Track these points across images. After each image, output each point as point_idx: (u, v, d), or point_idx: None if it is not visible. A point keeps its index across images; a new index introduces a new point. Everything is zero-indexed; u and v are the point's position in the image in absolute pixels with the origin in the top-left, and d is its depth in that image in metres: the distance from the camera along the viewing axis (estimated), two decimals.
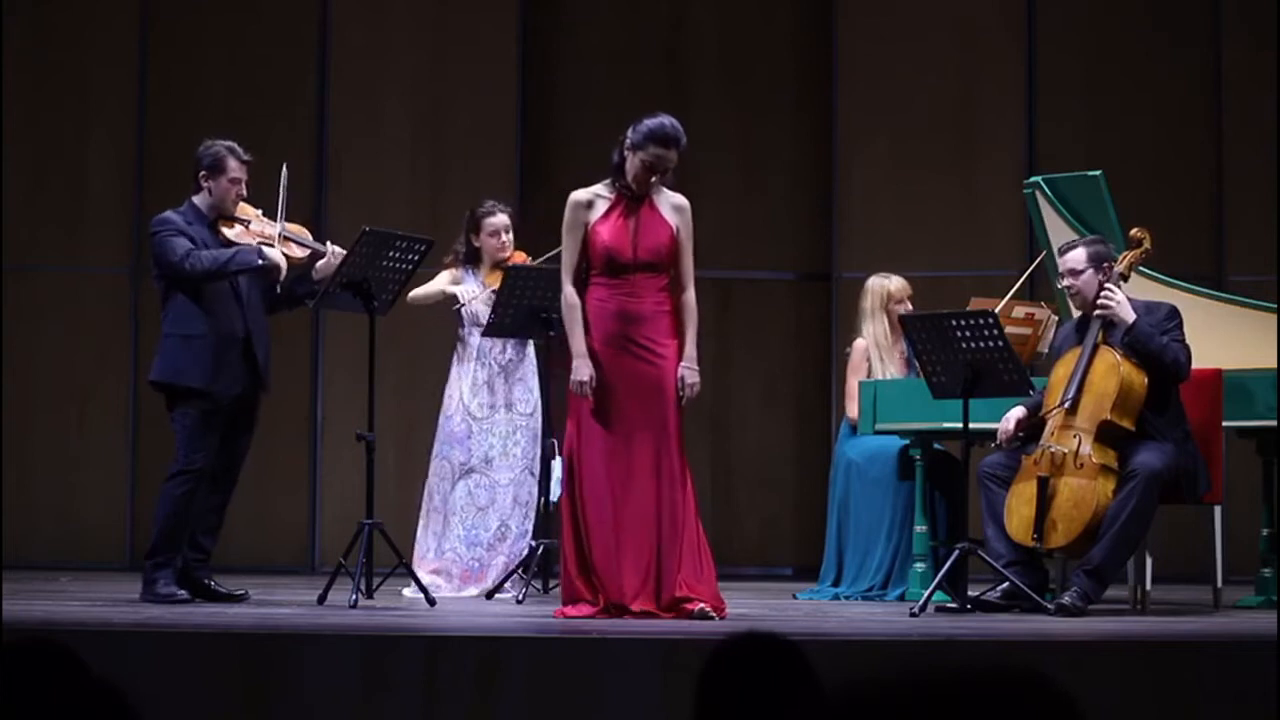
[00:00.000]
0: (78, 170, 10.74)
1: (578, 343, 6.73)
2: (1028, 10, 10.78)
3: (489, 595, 8.00)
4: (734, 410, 10.93)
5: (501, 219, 8.40)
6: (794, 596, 8.55)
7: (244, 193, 7.61)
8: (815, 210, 11.00)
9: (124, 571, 9.70)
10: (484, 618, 7.08)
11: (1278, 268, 9.73)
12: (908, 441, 8.32)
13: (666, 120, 6.77)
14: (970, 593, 7.21)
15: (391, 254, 7.52)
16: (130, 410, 10.52)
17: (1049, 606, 7.03)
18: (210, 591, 7.50)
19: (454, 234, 8.56)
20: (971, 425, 7.21)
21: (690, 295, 6.79)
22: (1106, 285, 7.29)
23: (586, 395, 6.68)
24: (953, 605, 7.15)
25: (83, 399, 10.66)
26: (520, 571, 8.01)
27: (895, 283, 8.66)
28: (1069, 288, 7.46)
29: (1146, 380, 7.20)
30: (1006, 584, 7.17)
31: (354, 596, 7.08)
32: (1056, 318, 8.29)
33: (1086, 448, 7.14)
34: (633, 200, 6.77)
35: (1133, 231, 7.54)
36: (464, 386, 8.32)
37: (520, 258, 8.42)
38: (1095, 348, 7.28)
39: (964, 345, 7.13)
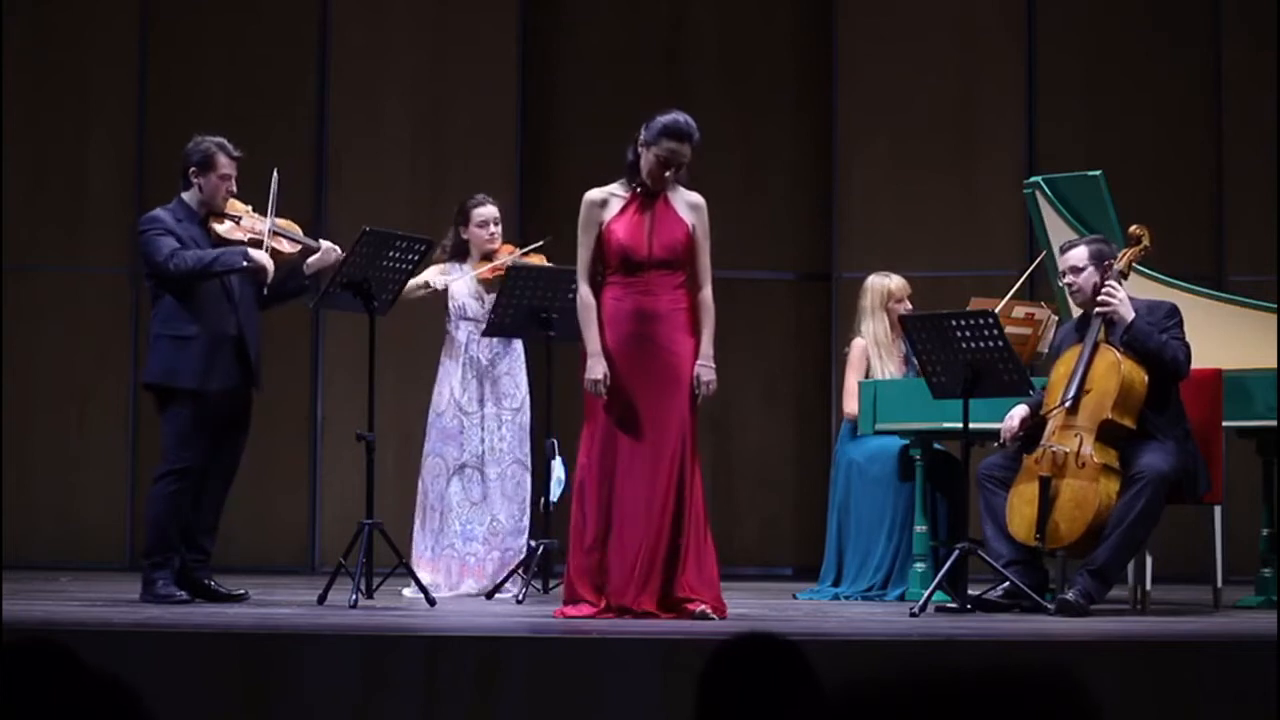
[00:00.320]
0: (78, 170, 10.74)
1: (592, 342, 6.73)
2: (1028, 10, 10.78)
3: (489, 595, 8.00)
4: (734, 410, 10.93)
5: (491, 210, 8.39)
6: (794, 596, 8.55)
7: (234, 189, 7.58)
8: (815, 210, 11.01)
9: (124, 571, 9.70)
10: (484, 618, 7.08)
11: (1278, 268, 9.73)
12: (908, 441, 8.32)
13: (680, 116, 6.77)
14: (970, 593, 7.21)
15: (391, 254, 7.51)
16: (130, 410, 10.52)
17: (1049, 606, 7.03)
18: (210, 591, 7.49)
19: None
20: (971, 425, 7.21)
21: (707, 293, 6.78)
22: (1107, 283, 7.29)
23: (600, 394, 6.67)
24: (953, 605, 7.15)
25: (83, 399, 10.66)
26: (520, 571, 8.02)
27: (895, 282, 8.67)
28: (1069, 285, 7.46)
29: (1147, 379, 7.20)
30: (1006, 584, 7.17)
31: (354, 596, 7.08)
32: (1056, 318, 8.29)
33: (1088, 447, 7.14)
34: (648, 198, 6.77)
35: (1132, 229, 7.54)
36: (454, 382, 8.30)
37: (508, 250, 8.41)
38: (1095, 346, 7.28)
39: (964, 345, 7.13)
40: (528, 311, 8.07)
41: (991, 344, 7.11)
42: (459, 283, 8.34)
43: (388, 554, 7.59)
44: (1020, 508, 7.20)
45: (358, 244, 7.45)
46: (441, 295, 8.32)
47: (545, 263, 8.38)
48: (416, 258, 7.66)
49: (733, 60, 11.13)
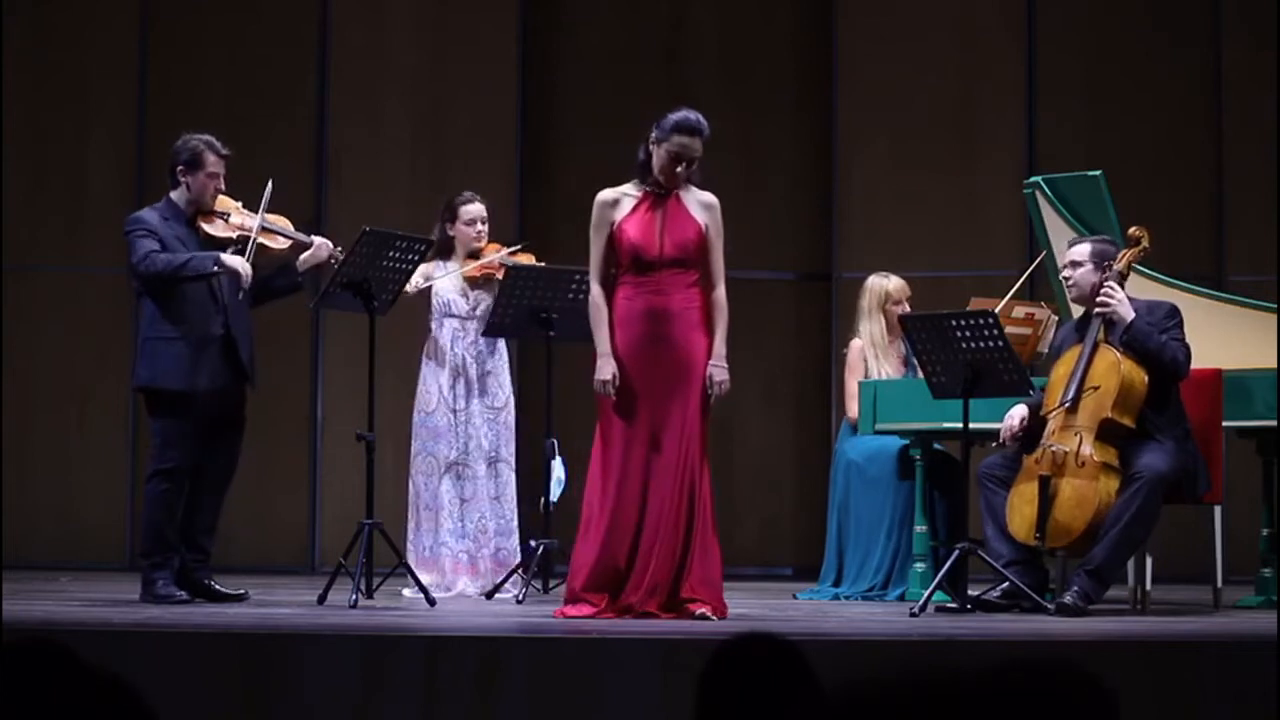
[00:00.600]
0: (78, 170, 10.74)
1: (602, 343, 6.72)
2: (1028, 10, 10.78)
3: (489, 595, 8.00)
4: (734, 410, 10.92)
5: (479, 208, 8.36)
6: (794, 596, 8.55)
7: (222, 186, 7.54)
8: (815, 210, 11.00)
9: (124, 571, 9.70)
10: (484, 618, 7.08)
11: (1278, 268, 9.73)
12: (907, 441, 8.32)
13: (691, 113, 6.78)
14: (970, 593, 7.21)
15: (391, 254, 7.51)
16: (130, 410, 10.51)
17: (1049, 606, 7.03)
18: (210, 591, 7.49)
19: None
20: (971, 425, 7.21)
21: (720, 293, 6.78)
22: (1106, 284, 7.29)
23: (609, 395, 6.67)
24: (953, 605, 7.15)
25: (83, 399, 10.66)
26: (520, 571, 8.01)
27: (894, 283, 8.67)
28: (1067, 279, 7.48)
29: (1146, 379, 7.20)
30: (1006, 584, 7.17)
31: (354, 596, 7.08)
32: (1056, 318, 8.29)
33: (1087, 447, 7.14)
34: (660, 197, 6.76)
35: (1131, 230, 7.54)
36: (441, 380, 8.29)
37: (494, 249, 8.39)
38: (1095, 346, 7.28)
39: (964, 345, 7.13)
40: (528, 311, 8.07)
41: (991, 344, 7.11)
42: (444, 280, 8.32)
43: (388, 554, 7.59)
44: (1020, 507, 7.20)
45: (358, 244, 7.45)
46: (425, 292, 8.28)
47: (534, 262, 8.37)
48: (416, 258, 7.65)
49: (733, 60, 11.13)
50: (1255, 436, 8.01)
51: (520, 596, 7.79)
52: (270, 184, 7.55)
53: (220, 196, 7.56)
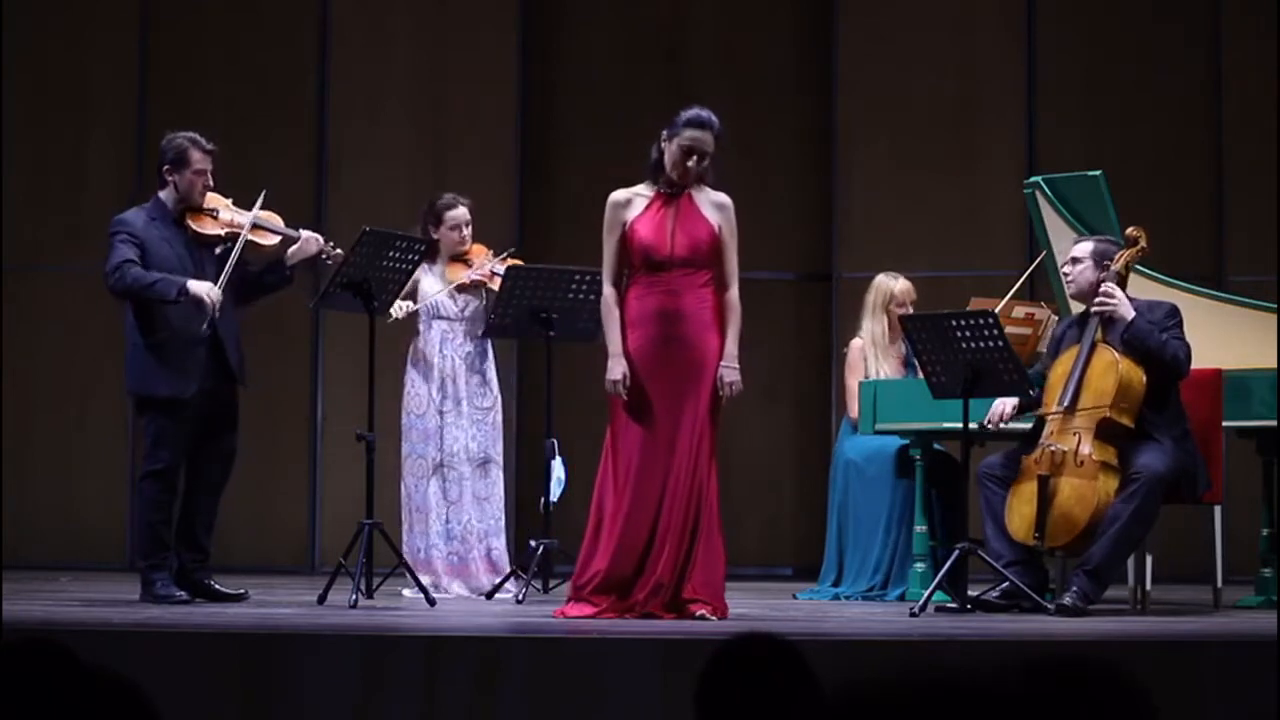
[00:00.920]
0: (78, 170, 10.74)
1: (613, 343, 6.71)
2: (1028, 10, 10.78)
3: (489, 595, 8.00)
4: (734, 410, 10.91)
5: (463, 212, 8.33)
6: (794, 596, 8.55)
7: (210, 183, 7.52)
8: (815, 210, 11.00)
9: (124, 571, 9.70)
10: (484, 618, 7.08)
11: (1278, 268, 9.73)
12: (907, 441, 8.32)
13: (703, 110, 6.78)
14: (970, 593, 7.21)
15: (391, 254, 7.50)
16: (130, 410, 10.51)
17: (1049, 606, 7.03)
18: (210, 591, 7.49)
19: None
20: (971, 425, 7.21)
21: (733, 293, 6.75)
22: (1105, 284, 7.29)
23: (619, 395, 6.66)
24: (953, 605, 7.15)
25: (83, 399, 10.66)
26: (520, 571, 8.01)
27: (900, 285, 8.65)
28: (1066, 275, 7.49)
29: (1145, 378, 7.20)
30: (1006, 584, 7.17)
31: (354, 596, 7.08)
32: (1056, 318, 8.29)
33: (1086, 446, 7.15)
34: (672, 197, 6.75)
35: (1129, 230, 7.54)
36: (430, 382, 8.28)
37: (480, 251, 8.37)
38: (1093, 346, 7.28)
39: (964, 345, 7.13)
40: (528, 311, 8.07)
41: (991, 344, 7.11)
42: (430, 282, 8.30)
43: (388, 554, 7.59)
44: (1019, 507, 7.21)
45: (358, 244, 7.44)
46: (412, 293, 8.21)
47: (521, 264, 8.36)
48: (416, 258, 7.65)
49: (733, 60, 11.12)
50: (1255, 436, 8.01)
51: (520, 596, 7.78)
52: (263, 195, 7.53)
53: (210, 194, 7.53)
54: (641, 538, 6.62)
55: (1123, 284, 7.37)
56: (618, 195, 6.80)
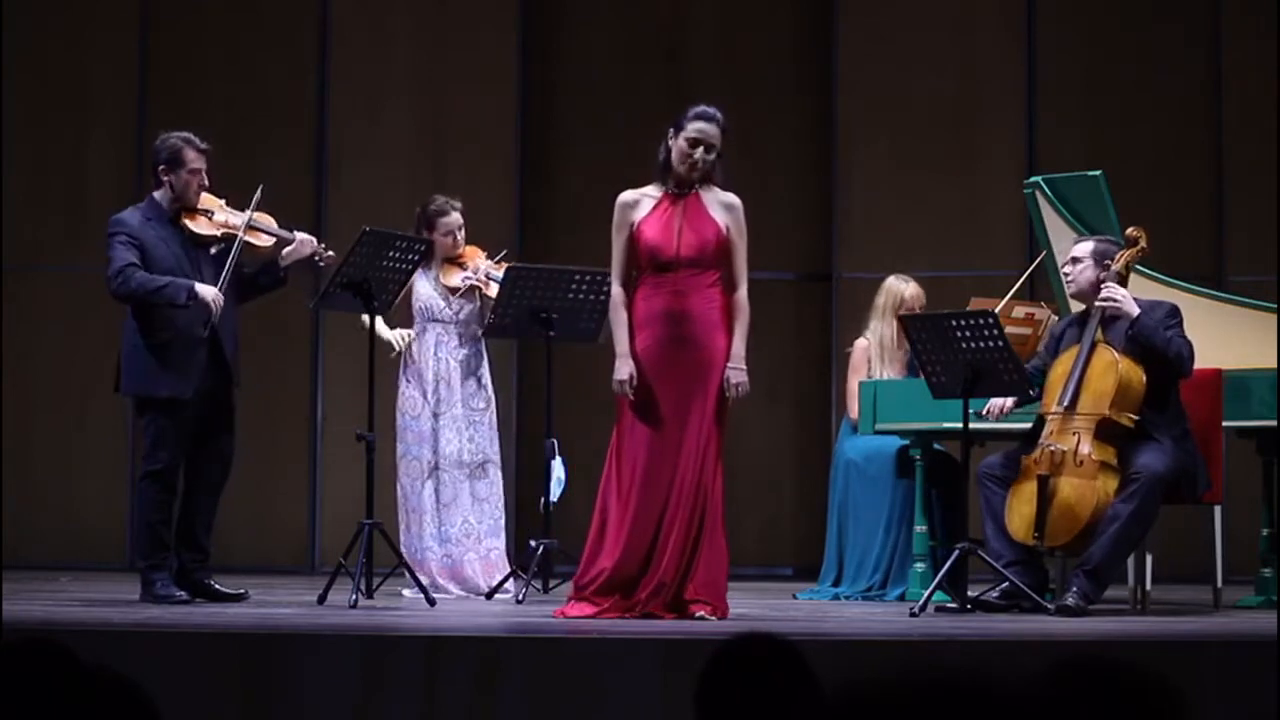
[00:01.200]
0: (78, 170, 10.74)
1: (620, 343, 6.71)
2: (1028, 10, 10.78)
3: (489, 595, 7.99)
4: (734, 410, 10.90)
5: (455, 218, 8.33)
6: (794, 596, 8.55)
7: (205, 182, 7.51)
8: (815, 210, 11.00)
9: (124, 571, 9.70)
10: (484, 618, 7.08)
11: (1278, 268, 9.73)
12: (907, 441, 8.32)
13: (708, 105, 6.79)
14: (970, 593, 7.21)
15: (391, 254, 7.50)
16: (130, 410, 10.51)
17: (1049, 606, 7.03)
18: (210, 591, 7.49)
19: None
20: (971, 425, 7.21)
21: (742, 294, 6.73)
22: (1107, 283, 7.29)
23: (626, 394, 6.66)
24: (953, 605, 7.15)
25: (83, 399, 10.66)
26: (520, 571, 8.01)
27: (912, 289, 8.62)
28: (1066, 275, 7.49)
29: (1145, 377, 7.20)
30: (1006, 584, 7.16)
31: (354, 596, 7.08)
32: (1056, 318, 8.29)
33: (1086, 446, 7.15)
34: (679, 197, 6.74)
35: (1129, 230, 7.54)
36: (425, 384, 8.27)
37: (473, 253, 8.37)
38: (1093, 346, 7.29)
39: (964, 345, 7.13)
40: (528, 311, 8.07)
41: (991, 344, 7.11)
42: (424, 285, 8.31)
43: (388, 554, 7.59)
44: (1019, 507, 7.21)
45: (358, 244, 7.44)
46: (406, 296, 8.21)
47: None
48: (417, 258, 7.65)
49: (733, 60, 11.12)
50: (1255, 436, 8.01)
51: (520, 596, 7.78)
52: (260, 189, 7.53)
53: (204, 194, 7.52)
54: (647, 538, 6.62)
55: (1122, 284, 7.36)
56: (626, 196, 6.80)
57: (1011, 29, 10.79)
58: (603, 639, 5.77)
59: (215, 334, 7.41)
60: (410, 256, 7.57)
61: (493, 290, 8.20)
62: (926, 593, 7.19)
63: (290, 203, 10.15)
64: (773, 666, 2.66)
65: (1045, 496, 7.11)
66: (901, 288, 8.65)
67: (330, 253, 7.69)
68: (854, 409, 8.54)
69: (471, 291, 8.31)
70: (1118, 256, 7.42)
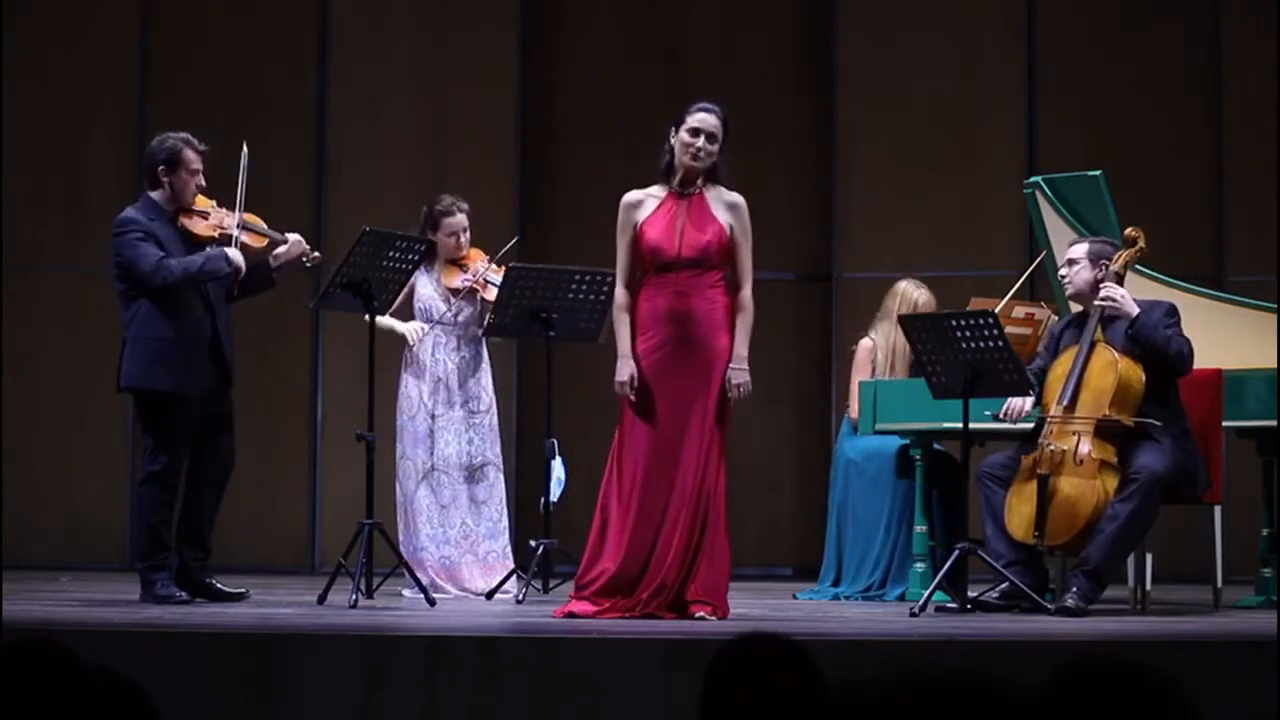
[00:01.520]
0: (78, 170, 10.74)
1: (623, 343, 6.71)
2: (1028, 10, 10.78)
3: (489, 595, 7.99)
4: (735, 410, 10.92)
5: (461, 219, 8.33)
6: (794, 596, 8.55)
7: (203, 182, 7.51)
8: (815, 210, 11.00)
9: (124, 571, 9.69)
10: (484, 618, 7.08)
11: (1278, 268, 9.73)
12: (907, 440, 8.32)
13: (710, 102, 6.78)
14: (970, 593, 7.20)
15: (391, 254, 7.50)
16: (130, 410, 10.52)
17: (1049, 606, 7.03)
18: (211, 590, 7.49)
19: None
20: (971, 425, 7.21)
21: (746, 294, 6.71)
22: (1106, 283, 7.30)
23: (627, 395, 6.66)
24: (953, 605, 7.15)
25: (83, 399, 10.66)
26: (520, 571, 8.01)
27: (923, 296, 8.59)
28: (1063, 277, 7.49)
29: (1144, 376, 7.21)
30: (1006, 584, 7.16)
31: (354, 596, 7.08)
32: (1056, 318, 8.29)
33: (1086, 445, 7.15)
34: (682, 197, 6.73)
35: (1127, 231, 7.54)
36: (422, 386, 8.27)
37: (476, 255, 8.37)
38: (1092, 345, 7.29)
39: (964, 345, 7.13)
40: (528, 311, 8.06)
41: (991, 344, 7.11)
42: (425, 286, 8.31)
43: (388, 554, 7.59)
44: (1018, 507, 7.21)
45: (358, 244, 7.44)
46: (406, 297, 8.21)
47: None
48: (417, 258, 7.65)
49: (733, 60, 11.12)
50: (1255, 436, 8.01)
51: (520, 596, 7.78)
52: (245, 148, 7.52)
53: (198, 196, 7.53)
54: (648, 539, 6.62)
55: (1120, 284, 7.37)
56: (630, 196, 6.79)
57: (1011, 29, 10.79)
58: (603, 639, 5.77)
59: (216, 333, 7.42)
60: (410, 257, 7.56)
61: (490, 294, 8.20)
62: (926, 593, 7.19)
63: (290, 203, 10.15)
64: (777, 666, 2.66)
65: (1045, 496, 7.11)
66: (914, 292, 8.61)
67: (317, 254, 7.71)
68: (854, 408, 8.54)
69: (471, 294, 8.31)
70: (1116, 257, 7.42)
